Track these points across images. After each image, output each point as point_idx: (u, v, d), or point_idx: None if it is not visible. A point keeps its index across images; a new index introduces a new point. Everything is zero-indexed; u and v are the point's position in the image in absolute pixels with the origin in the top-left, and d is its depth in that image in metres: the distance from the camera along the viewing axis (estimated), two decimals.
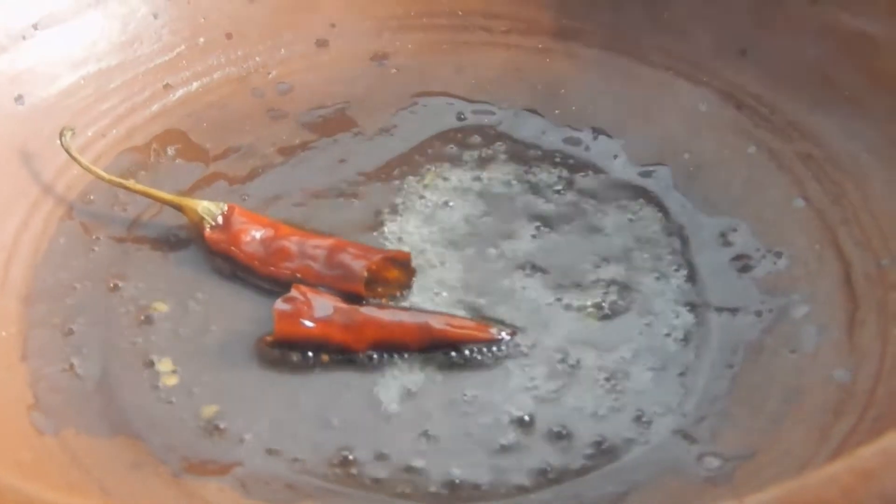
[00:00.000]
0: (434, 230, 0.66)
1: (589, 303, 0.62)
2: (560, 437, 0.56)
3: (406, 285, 0.63)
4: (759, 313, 0.61)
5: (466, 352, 0.59)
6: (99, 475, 0.55)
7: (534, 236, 0.66)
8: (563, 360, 0.59)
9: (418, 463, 0.55)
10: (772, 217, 0.65)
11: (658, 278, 0.63)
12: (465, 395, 0.58)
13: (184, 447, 0.56)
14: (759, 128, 0.69)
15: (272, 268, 0.63)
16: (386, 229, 0.66)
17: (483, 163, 0.70)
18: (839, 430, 0.54)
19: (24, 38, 0.70)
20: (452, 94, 0.75)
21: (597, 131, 0.72)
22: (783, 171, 0.67)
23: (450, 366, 0.59)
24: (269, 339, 0.60)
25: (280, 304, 0.59)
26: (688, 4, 0.73)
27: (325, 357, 0.59)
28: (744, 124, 0.69)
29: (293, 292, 0.60)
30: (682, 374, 0.59)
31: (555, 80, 0.75)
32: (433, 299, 0.62)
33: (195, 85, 0.74)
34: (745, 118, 0.70)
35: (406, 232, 0.66)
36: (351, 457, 0.56)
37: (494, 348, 0.60)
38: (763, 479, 0.52)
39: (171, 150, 0.71)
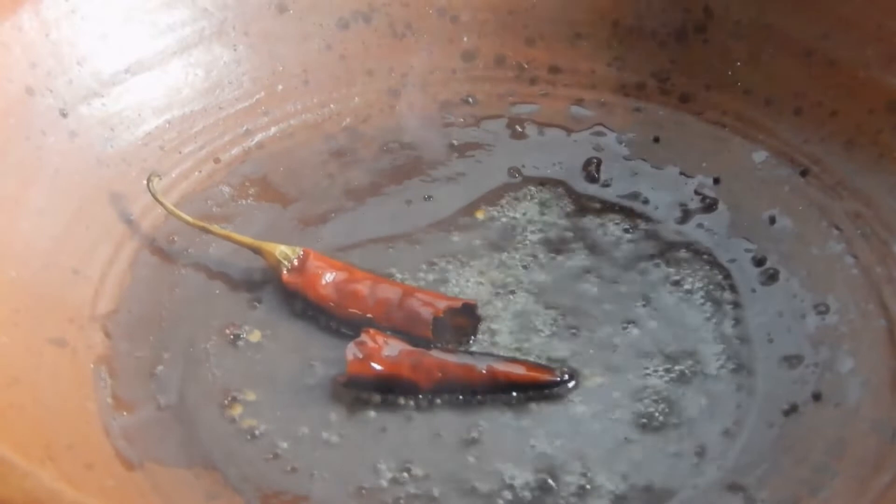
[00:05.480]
0: (499, 278, 0.68)
1: (637, 346, 0.64)
2: (617, 477, 0.58)
3: (472, 332, 0.64)
4: (805, 366, 0.62)
5: (526, 394, 0.62)
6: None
7: (589, 284, 0.68)
8: (614, 404, 0.61)
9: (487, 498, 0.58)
10: (820, 272, 0.67)
11: (706, 327, 0.65)
12: (531, 441, 0.60)
13: (258, 479, 0.58)
14: (811, 185, 0.70)
15: (345, 310, 0.65)
16: (453, 276, 0.68)
17: (545, 213, 0.72)
18: (879, 483, 0.55)
19: (114, 83, 0.73)
20: (517, 143, 0.77)
21: (654, 184, 0.74)
22: (833, 228, 0.68)
23: (511, 408, 0.61)
24: (341, 378, 0.62)
25: (351, 348, 0.61)
26: (747, 64, 0.75)
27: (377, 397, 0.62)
28: (796, 181, 0.71)
29: (363, 337, 0.62)
30: (730, 422, 0.60)
31: (616, 132, 0.77)
32: (498, 345, 0.64)
33: (273, 130, 0.77)
34: (798, 175, 0.71)
35: (473, 279, 0.68)
36: (416, 491, 0.58)
37: (548, 391, 0.62)
38: None
39: (249, 193, 0.74)
